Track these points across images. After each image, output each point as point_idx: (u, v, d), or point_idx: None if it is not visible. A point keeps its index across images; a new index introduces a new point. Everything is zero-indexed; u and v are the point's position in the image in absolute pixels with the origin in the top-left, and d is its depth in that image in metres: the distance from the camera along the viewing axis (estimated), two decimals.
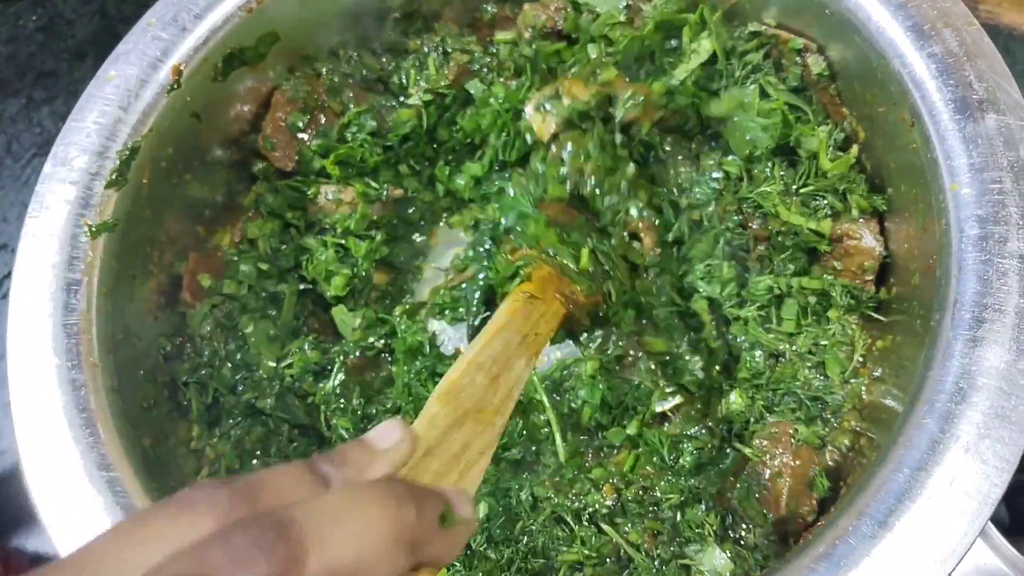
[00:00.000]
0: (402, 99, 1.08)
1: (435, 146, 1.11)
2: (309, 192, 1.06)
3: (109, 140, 0.89)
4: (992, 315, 0.71)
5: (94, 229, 0.86)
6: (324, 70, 1.06)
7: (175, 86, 0.92)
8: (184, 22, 0.93)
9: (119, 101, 0.90)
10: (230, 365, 0.98)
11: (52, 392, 0.79)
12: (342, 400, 1.00)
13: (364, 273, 1.06)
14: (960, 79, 0.79)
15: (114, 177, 0.88)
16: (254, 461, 0.96)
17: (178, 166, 0.96)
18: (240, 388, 0.98)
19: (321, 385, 1.01)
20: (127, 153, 0.89)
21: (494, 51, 1.09)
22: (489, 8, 1.09)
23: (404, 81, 1.08)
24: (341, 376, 1.00)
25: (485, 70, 1.08)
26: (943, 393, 0.70)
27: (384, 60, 1.09)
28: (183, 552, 0.36)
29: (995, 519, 0.86)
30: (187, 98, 0.94)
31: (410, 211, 1.10)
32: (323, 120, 1.06)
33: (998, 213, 0.74)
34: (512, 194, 0.92)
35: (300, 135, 1.05)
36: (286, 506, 0.39)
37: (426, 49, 1.08)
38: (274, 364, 0.99)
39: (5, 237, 1.38)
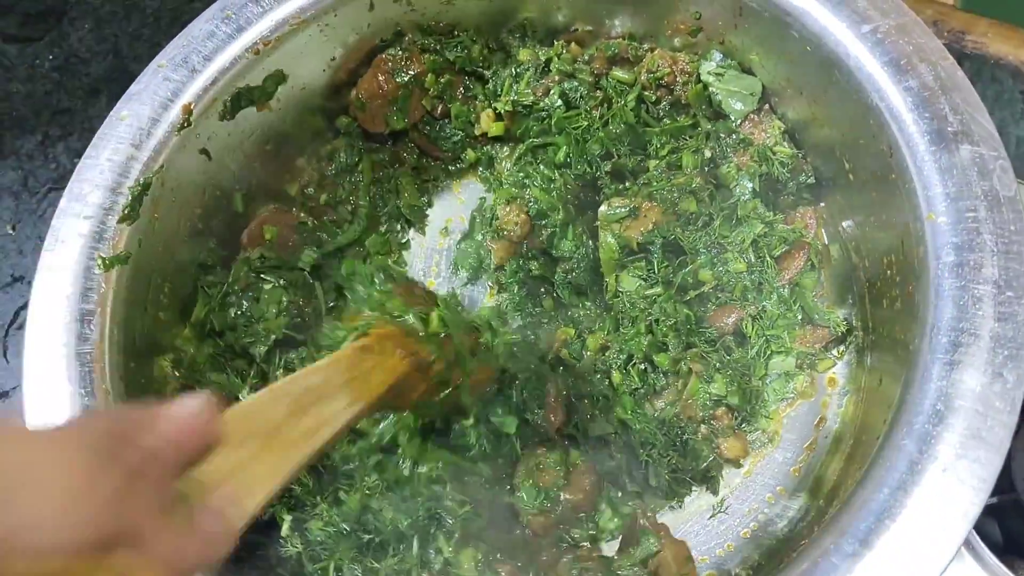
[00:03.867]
0: (492, 104, 1.13)
1: None
2: None
3: (122, 176, 0.93)
4: (968, 339, 0.74)
5: (107, 262, 0.89)
6: (432, 45, 1.11)
7: (185, 124, 0.97)
8: (194, 63, 0.98)
9: (131, 139, 0.94)
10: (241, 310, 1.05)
11: (65, 419, 0.82)
12: None
13: None
14: (935, 112, 0.82)
15: (126, 212, 0.92)
16: None
17: (190, 200, 1.01)
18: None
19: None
20: (139, 189, 0.93)
21: (604, 84, 1.10)
22: (615, 43, 1.10)
23: (498, 89, 1.13)
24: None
25: (578, 94, 1.09)
26: (921, 415, 0.72)
27: (487, 56, 1.14)
28: None
29: (988, 539, 0.88)
30: (196, 136, 0.98)
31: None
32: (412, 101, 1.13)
33: (973, 241, 0.77)
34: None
35: (390, 107, 1.11)
36: None
37: (528, 63, 1.12)
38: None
39: (22, 270, 1.42)
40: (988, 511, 0.87)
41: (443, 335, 0.80)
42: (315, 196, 1.13)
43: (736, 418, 0.98)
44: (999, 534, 1.02)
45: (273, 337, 1.03)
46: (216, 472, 0.55)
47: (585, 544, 0.96)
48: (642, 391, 0.99)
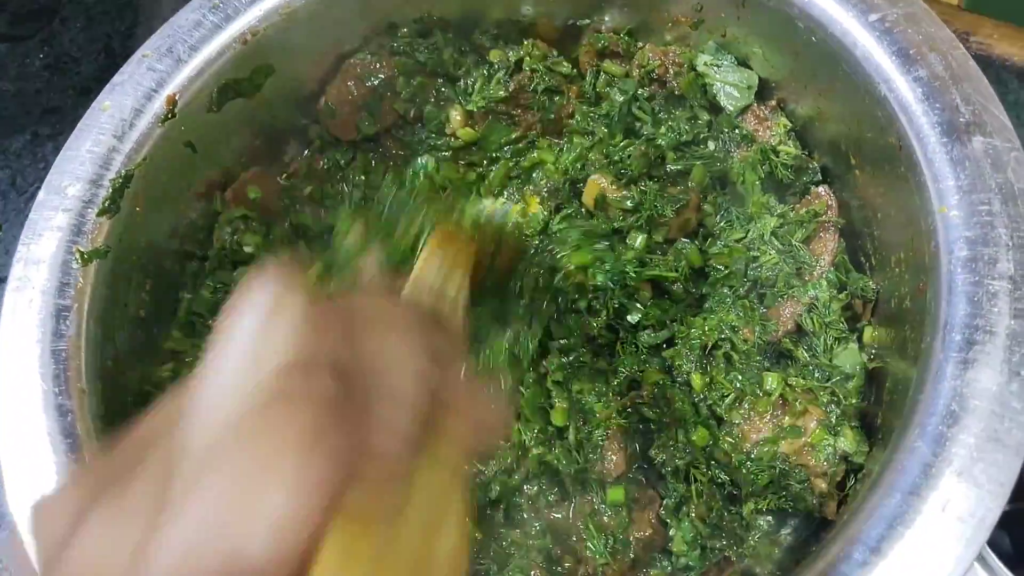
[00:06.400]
0: (463, 102, 1.10)
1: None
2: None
3: (103, 168, 0.90)
4: (983, 337, 0.70)
5: (85, 256, 0.86)
6: (402, 48, 1.08)
7: (169, 116, 0.94)
8: (179, 53, 0.95)
9: (113, 130, 0.91)
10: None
11: (38, 418, 0.79)
12: None
13: None
14: (946, 102, 0.79)
15: (107, 205, 0.89)
16: None
17: (171, 193, 0.98)
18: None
19: None
20: (120, 181, 0.90)
21: (593, 78, 1.09)
22: (604, 36, 1.08)
23: (470, 87, 1.10)
24: None
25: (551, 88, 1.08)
26: (935, 416, 0.69)
27: (458, 59, 1.10)
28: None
29: (999, 550, 0.84)
30: (181, 128, 0.95)
31: None
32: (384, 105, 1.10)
33: (987, 235, 0.74)
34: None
35: (361, 113, 1.09)
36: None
37: (498, 64, 1.09)
38: None
39: (6, 271, 1.38)
40: (999, 520, 0.83)
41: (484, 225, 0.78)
42: (299, 187, 1.10)
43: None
44: (1009, 544, 0.99)
45: None
46: None
47: None
48: (731, 403, 0.92)
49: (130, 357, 0.91)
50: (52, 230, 0.87)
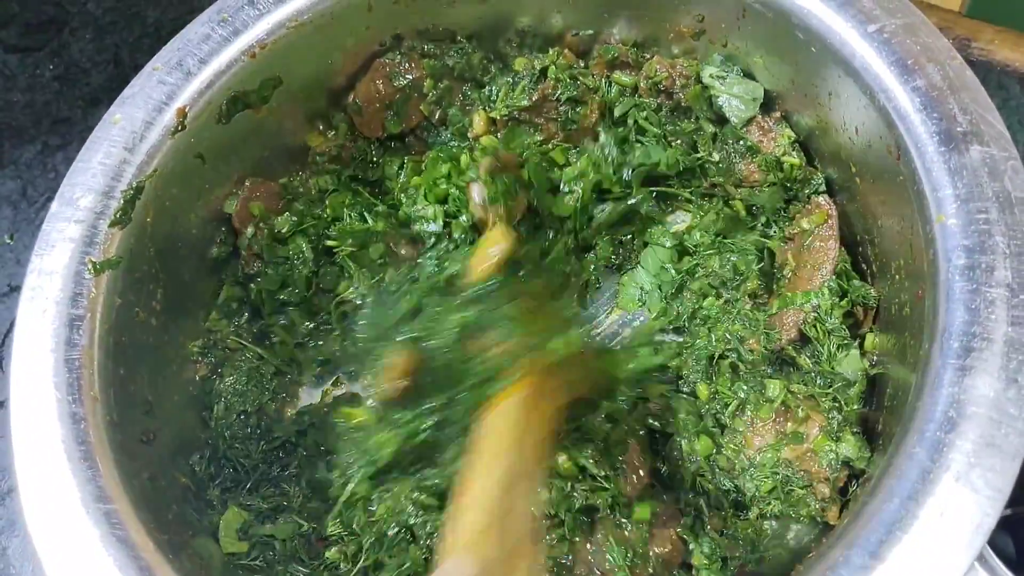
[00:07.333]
0: (487, 109, 1.12)
1: None
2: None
3: (114, 180, 0.91)
4: (980, 344, 0.71)
5: (97, 266, 0.88)
6: (432, 50, 1.09)
7: (179, 128, 0.95)
8: (189, 67, 0.96)
9: (124, 143, 0.92)
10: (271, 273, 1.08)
11: (52, 426, 0.80)
12: None
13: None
14: (944, 112, 0.80)
15: (118, 216, 0.90)
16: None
17: (185, 205, 1.00)
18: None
19: None
20: (131, 192, 0.91)
21: (607, 85, 1.11)
22: (614, 47, 1.10)
23: (494, 95, 1.12)
24: None
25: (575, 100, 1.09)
26: (933, 422, 0.70)
27: (486, 65, 1.12)
28: None
29: (1002, 553, 0.85)
30: (191, 140, 0.97)
31: None
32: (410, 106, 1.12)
33: (984, 243, 0.75)
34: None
35: (387, 112, 1.11)
36: None
37: (522, 72, 1.11)
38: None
39: (19, 279, 1.39)
40: (1002, 524, 0.84)
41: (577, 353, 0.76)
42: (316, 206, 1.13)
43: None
44: (1012, 548, 0.99)
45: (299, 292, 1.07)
46: None
47: None
48: (734, 411, 0.93)
49: (140, 364, 0.92)
50: (65, 241, 0.88)
